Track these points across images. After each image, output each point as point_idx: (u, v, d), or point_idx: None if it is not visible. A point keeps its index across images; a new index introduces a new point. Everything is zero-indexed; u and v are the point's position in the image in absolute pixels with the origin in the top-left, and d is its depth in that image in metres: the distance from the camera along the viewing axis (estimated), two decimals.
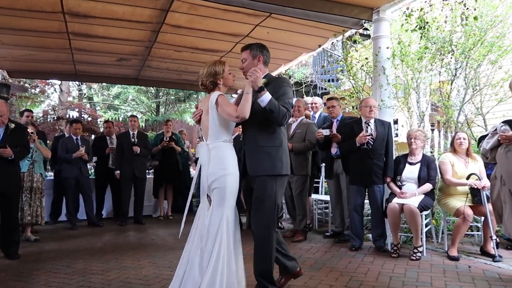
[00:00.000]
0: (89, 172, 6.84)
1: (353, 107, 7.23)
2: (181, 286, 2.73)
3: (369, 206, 4.63)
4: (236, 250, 2.78)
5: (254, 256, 2.82)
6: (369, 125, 4.41)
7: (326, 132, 4.75)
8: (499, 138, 3.32)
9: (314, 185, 5.89)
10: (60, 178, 6.28)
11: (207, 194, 2.87)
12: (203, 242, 2.72)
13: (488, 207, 3.85)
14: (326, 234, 5.21)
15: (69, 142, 6.25)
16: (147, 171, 7.54)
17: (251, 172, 2.89)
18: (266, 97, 2.71)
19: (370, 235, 4.63)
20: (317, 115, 5.81)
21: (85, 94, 17.71)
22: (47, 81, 12.57)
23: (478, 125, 5.84)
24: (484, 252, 4.06)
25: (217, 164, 2.77)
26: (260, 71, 2.80)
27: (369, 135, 4.35)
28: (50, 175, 6.80)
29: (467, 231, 4.29)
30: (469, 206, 3.97)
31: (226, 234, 2.70)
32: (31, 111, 6.40)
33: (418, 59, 5.28)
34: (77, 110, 13.74)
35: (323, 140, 4.78)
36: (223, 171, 2.75)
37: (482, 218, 4.15)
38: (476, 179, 4.06)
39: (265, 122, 2.82)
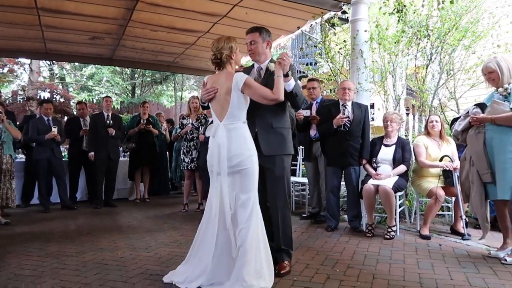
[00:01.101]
0: (62, 154, 6.64)
1: (331, 90, 7.27)
2: (210, 276, 2.67)
3: (345, 188, 4.71)
4: None
5: (280, 229, 3.00)
6: (346, 107, 4.44)
7: (306, 112, 4.75)
8: (470, 120, 3.41)
9: (292, 167, 5.91)
10: (31, 160, 6.08)
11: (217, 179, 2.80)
12: (236, 230, 2.66)
13: (459, 188, 3.98)
14: (303, 215, 5.28)
15: (40, 123, 6.04)
16: (123, 153, 7.40)
17: (266, 152, 2.94)
18: (292, 82, 2.85)
19: (346, 216, 4.72)
20: None
21: (56, 75, 17.08)
22: (16, 59, 12.03)
23: (452, 109, 5.97)
24: (454, 231, 4.22)
25: (242, 145, 2.71)
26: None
27: (346, 117, 4.38)
28: (21, 157, 6.57)
29: (438, 211, 4.42)
30: (441, 187, 4.10)
31: (260, 216, 2.70)
32: None
33: (395, 43, 5.32)
34: (48, 90, 13.27)
35: (302, 121, 4.78)
36: (249, 151, 2.72)
37: (453, 198, 4.30)
38: (449, 161, 4.18)
39: (277, 105, 2.87)
